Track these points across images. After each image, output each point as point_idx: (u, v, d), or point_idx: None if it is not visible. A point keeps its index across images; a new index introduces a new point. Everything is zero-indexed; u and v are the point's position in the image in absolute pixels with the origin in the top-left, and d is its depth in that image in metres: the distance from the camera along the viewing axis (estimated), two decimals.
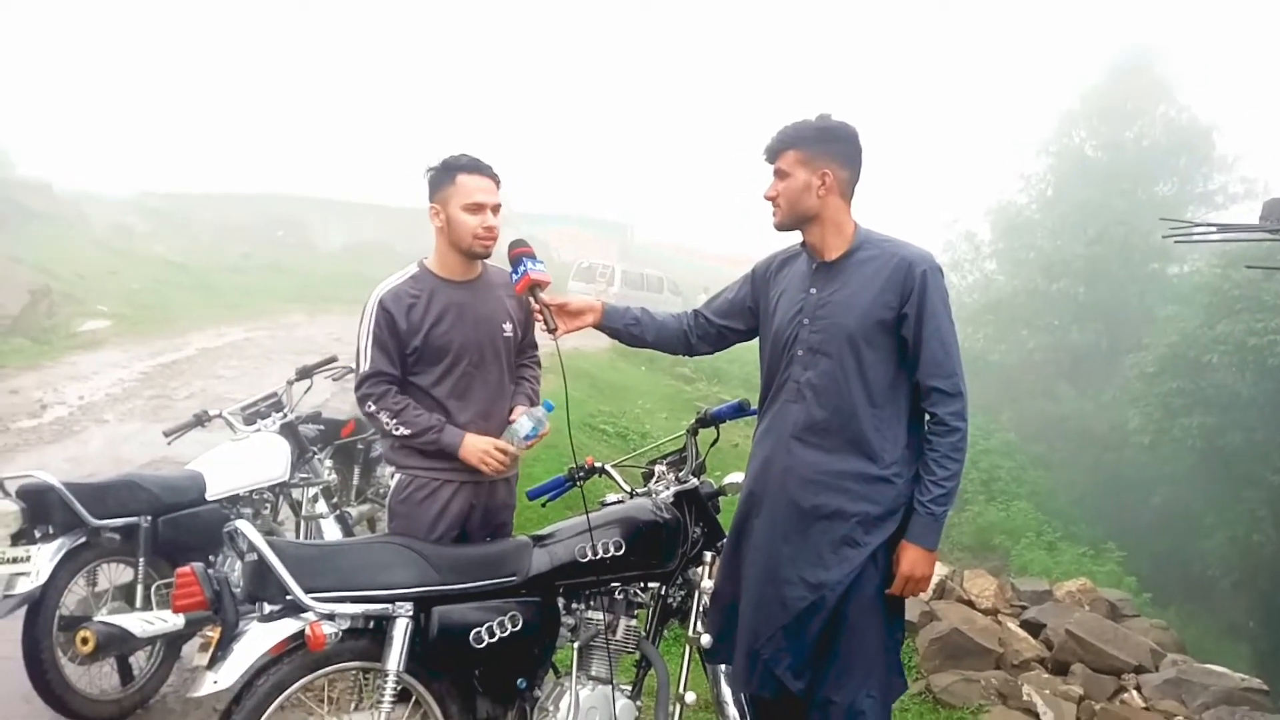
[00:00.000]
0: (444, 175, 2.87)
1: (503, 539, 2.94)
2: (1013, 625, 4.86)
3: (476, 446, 2.82)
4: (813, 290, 2.58)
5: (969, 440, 2.56)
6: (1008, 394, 21.61)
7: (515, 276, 2.73)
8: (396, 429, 2.83)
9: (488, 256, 2.98)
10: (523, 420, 2.89)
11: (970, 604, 5.06)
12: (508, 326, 3.00)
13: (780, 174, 2.55)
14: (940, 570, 5.34)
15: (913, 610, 4.79)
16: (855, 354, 2.48)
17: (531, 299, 2.74)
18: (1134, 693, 4.37)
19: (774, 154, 2.56)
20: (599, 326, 2.88)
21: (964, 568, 6.90)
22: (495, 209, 2.89)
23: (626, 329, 2.91)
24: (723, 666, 2.97)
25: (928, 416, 2.52)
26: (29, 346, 12.02)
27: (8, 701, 3.55)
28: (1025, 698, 4.21)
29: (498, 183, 2.91)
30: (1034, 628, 4.88)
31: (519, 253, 2.75)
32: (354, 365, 3.00)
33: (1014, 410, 21.09)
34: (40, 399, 9.44)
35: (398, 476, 2.94)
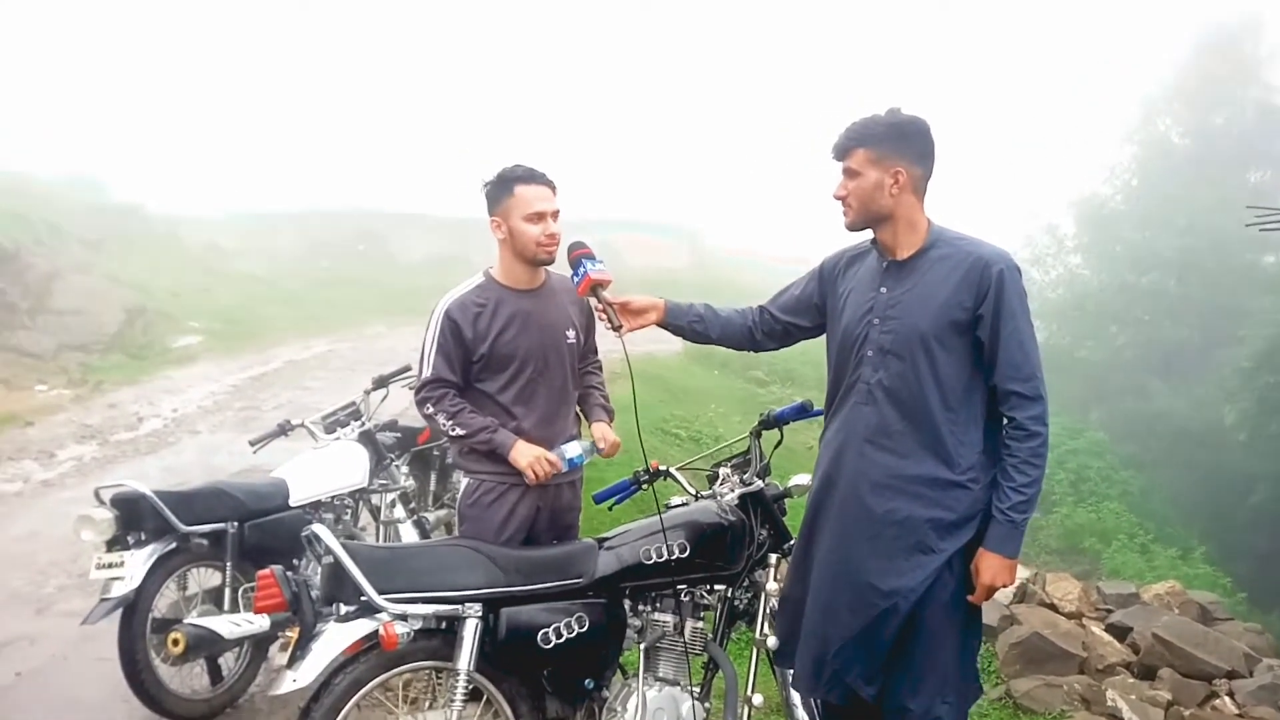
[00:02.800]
0: (501, 188, 2.93)
1: (569, 541, 2.98)
2: (1097, 629, 4.72)
3: (528, 451, 2.87)
4: (883, 289, 2.52)
5: (1051, 442, 2.48)
6: (1096, 392, 20.94)
7: (576, 278, 2.71)
8: (453, 430, 2.91)
9: (551, 263, 3.03)
10: (573, 445, 2.98)
11: (1053, 608, 4.93)
12: (570, 333, 3.06)
13: (850, 173, 2.48)
14: (1021, 573, 5.22)
15: (992, 614, 4.69)
16: (928, 355, 2.42)
17: (594, 299, 2.71)
18: (1226, 699, 4.20)
19: (843, 152, 2.49)
20: (662, 324, 2.85)
21: (1051, 571, 6.73)
22: (555, 215, 2.94)
23: (690, 325, 2.88)
24: (791, 669, 2.95)
25: (1005, 421, 2.44)
26: (127, 363, 12.59)
27: (109, 701, 3.74)
28: (1110, 703, 4.09)
29: (554, 189, 2.97)
30: (1120, 632, 4.73)
31: (578, 254, 2.72)
32: (418, 370, 3.08)
33: (1103, 409, 20.44)
34: (137, 412, 9.89)
35: (465, 480, 3.02)
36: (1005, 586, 2.43)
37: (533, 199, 2.90)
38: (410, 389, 5.00)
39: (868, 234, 2.61)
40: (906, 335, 2.45)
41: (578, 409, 3.21)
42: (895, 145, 2.45)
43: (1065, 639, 4.48)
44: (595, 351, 3.29)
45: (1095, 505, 14.24)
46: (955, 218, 2.61)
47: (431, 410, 2.93)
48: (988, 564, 2.39)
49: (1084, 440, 17.08)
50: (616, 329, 2.69)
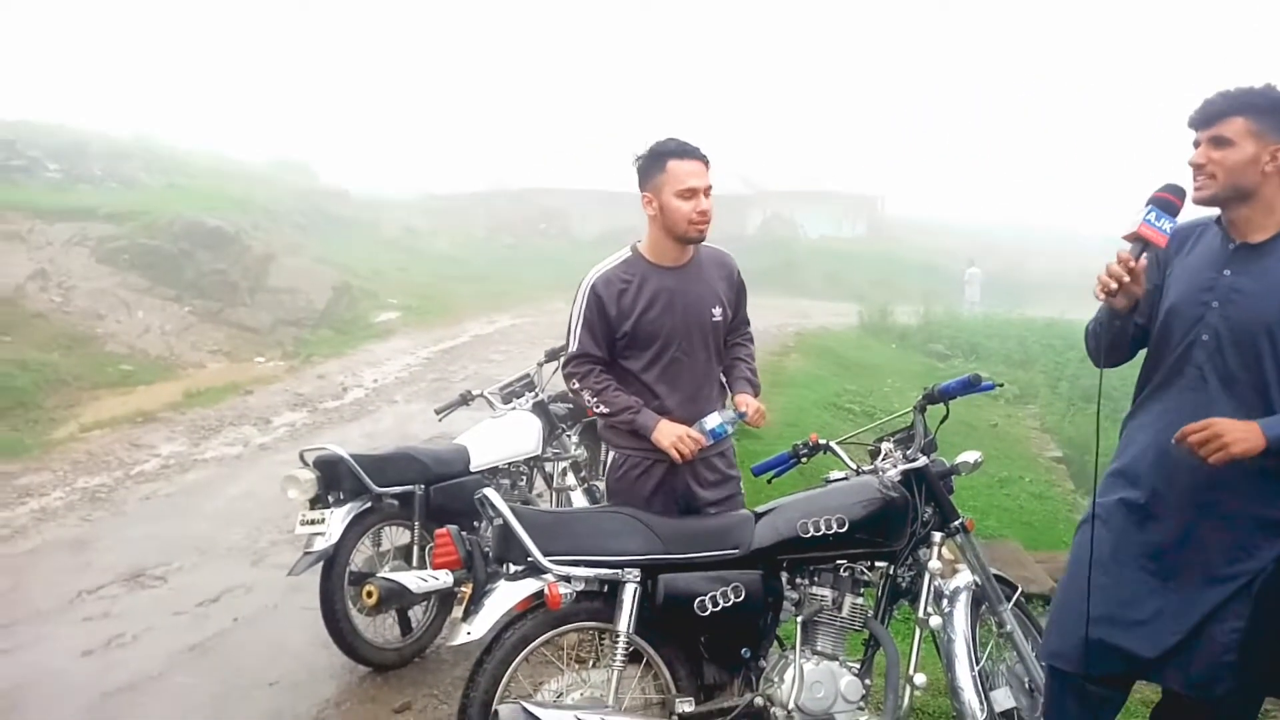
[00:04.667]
0: (654, 163, 2.91)
1: (726, 512, 3.02)
2: None
3: (671, 431, 2.89)
4: (1227, 272, 2.33)
5: None
6: None
7: (1136, 217, 2.31)
8: (597, 406, 2.97)
9: (702, 240, 3.00)
10: (713, 416, 2.93)
11: None
12: (717, 311, 3.03)
13: (1220, 141, 2.27)
14: None
15: None
16: (1274, 347, 2.25)
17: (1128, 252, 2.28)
18: None
19: (1217, 117, 2.28)
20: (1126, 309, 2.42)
21: None
22: (707, 192, 2.91)
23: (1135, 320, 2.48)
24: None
25: None
26: (333, 337, 13.61)
27: (312, 647, 4.11)
28: None
29: (708, 164, 2.92)
30: None
31: (1157, 197, 2.31)
32: (564, 345, 3.13)
33: None
34: (342, 382, 10.69)
35: (611, 455, 3.09)
36: (1235, 452, 2.14)
37: (685, 174, 2.87)
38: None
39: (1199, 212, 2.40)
40: (1250, 323, 2.27)
41: (724, 380, 3.19)
42: (1278, 121, 2.27)
43: None
44: (747, 323, 3.26)
45: None
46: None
47: (578, 386, 3.00)
48: (1245, 434, 2.13)
49: None
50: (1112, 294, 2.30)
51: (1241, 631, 2.27)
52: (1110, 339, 2.47)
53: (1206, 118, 2.31)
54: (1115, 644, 2.43)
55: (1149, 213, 2.28)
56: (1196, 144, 2.34)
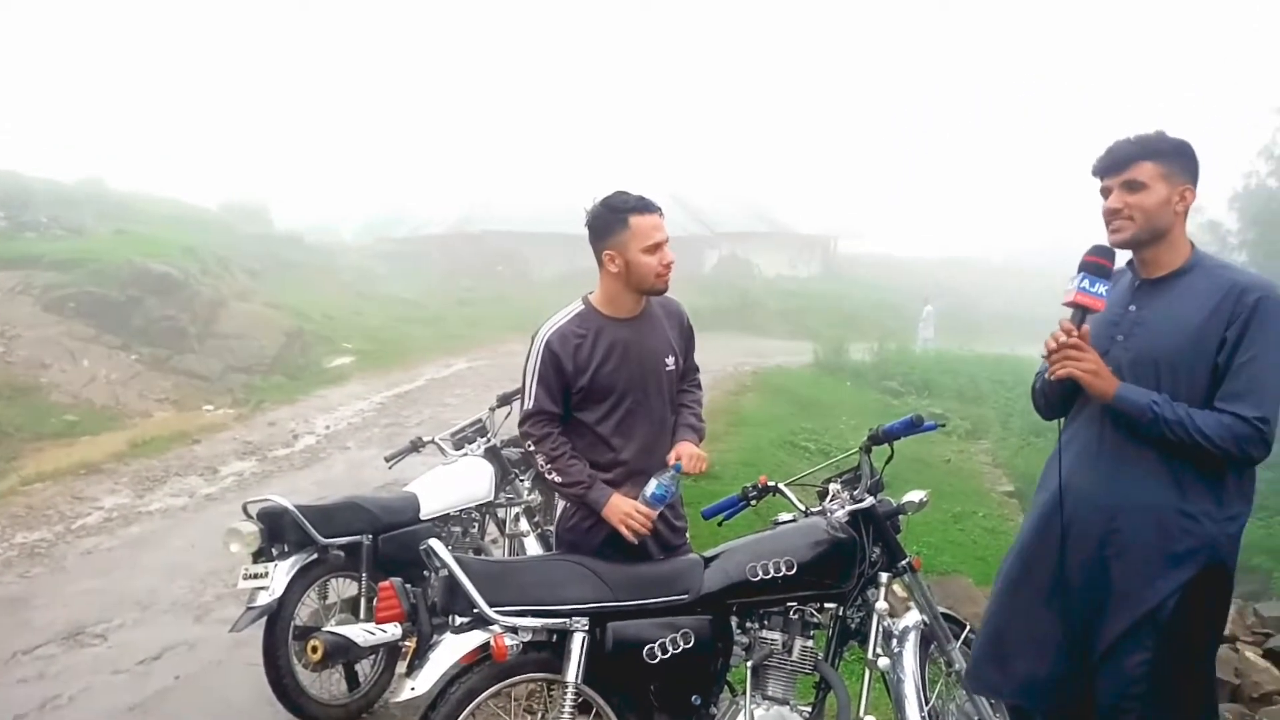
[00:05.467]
0: (615, 219, 2.86)
1: (675, 558, 3.00)
2: (1252, 655, 4.39)
3: (619, 508, 2.84)
4: (1132, 307, 2.45)
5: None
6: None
7: (1073, 285, 2.37)
8: (550, 474, 2.93)
9: (666, 291, 3.00)
10: (651, 482, 2.85)
11: None
12: (670, 360, 3.03)
13: (1134, 185, 2.38)
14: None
15: None
16: (1169, 377, 2.34)
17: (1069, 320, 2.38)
18: None
19: (1127, 163, 2.40)
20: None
21: None
22: (667, 242, 2.91)
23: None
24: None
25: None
26: (285, 383, 13.41)
27: (257, 705, 4.00)
28: None
29: (663, 215, 2.92)
30: (1279, 658, 4.39)
31: (1087, 261, 2.38)
32: (520, 400, 3.08)
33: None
34: (293, 429, 10.53)
35: (562, 504, 3.06)
36: (1075, 371, 2.31)
37: (650, 229, 2.85)
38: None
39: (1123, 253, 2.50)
40: (1148, 354, 2.38)
41: None
42: (1182, 164, 2.41)
43: (1218, 665, 4.18)
44: (696, 370, 3.25)
45: (1266, 521, 13.18)
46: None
47: (533, 448, 2.96)
48: (1098, 369, 2.32)
49: None
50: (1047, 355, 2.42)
51: (1149, 663, 2.33)
52: (1047, 400, 2.64)
53: (1116, 163, 2.41)
54: (1022, 674, 2.54)
55: (1082, 280, 2.36)
56: (1105, 191, 2.44)
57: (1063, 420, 2.59)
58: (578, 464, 2.93)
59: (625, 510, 2.85)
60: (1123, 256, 2.50)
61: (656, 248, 2.86)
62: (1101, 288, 2.34)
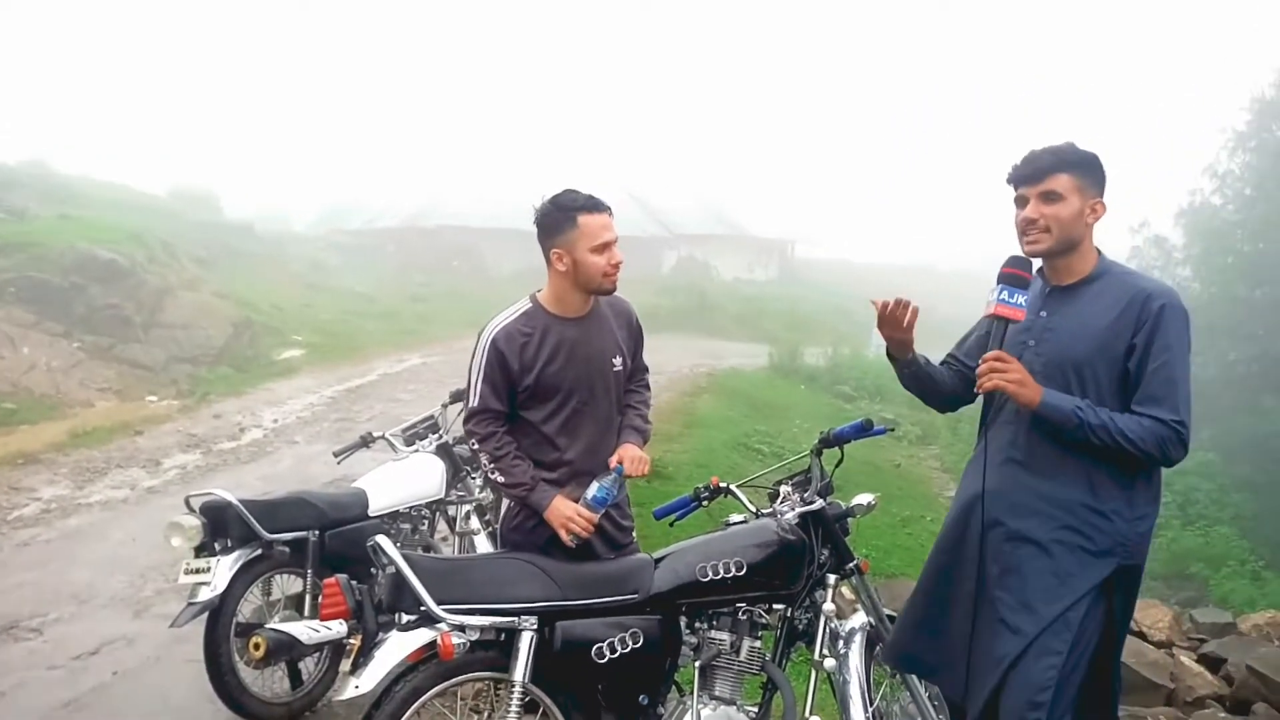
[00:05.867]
0: (564, 218, 2.85)
1: (625, 557, 3.00)
2: (1187, 660, 4.51)
3: (561, 512, 2.82)
4: (1043, 314, 2.52)
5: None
6: (1207, 410, 19.88)
7: (993, 297, 2.43)
8: (493, 473, 2.92)
9: (614, 291, 2.99)
10: (592, 485, 2.83)
11: (1141, 635, 4.72)
12: (618, 360, 3.02)
13: (1050, 196, 2.43)
14: None
15: None
16: (1079, 381, 2.41)
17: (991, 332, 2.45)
18: None
19: (1045, 173, 2.44)
20: (902, 358, 2.67)
21: (1144, 598, 6.45)
22: (615, 243, 2.90)
23: (924, 367, 2.71)
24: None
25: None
26: (232, 375, 13.15)
27: (197, 702, 3.92)
28: None
29: (612, 214, 2.92)
30: (1213, 663, 4.50)
31: (1005, 273, 2.43)
32: (465, 398, 3.05)
33: (1215, 428, 19.41)
34: (239, 423, 10.33)
35: (506, 503, 3.05)
36: (1003, 384, 2.34)
37: (599, 229, 2.84)
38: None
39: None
40: (1059, 360, 2.44)
41: None
42: (1094, 176, 2.47)
43: (1152, 669, 4.28)
44: (645, 370, 3.23)
45: (1204, 530, 13.56)
46: None
47: (478, 447, 2.94)
48: (1023, 378, 2.34)
49: (1193, 461, 16.20)
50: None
51: (1057, 668, 2.36)
52: (915, 386, 2.72)
53: (1034, 174, 2.46)
54: (934, 661, 2.64)
55: (1001, 292, 2.41)
56: (1021, 200, 2.49)
57: (980, 424, 2.65)
58: (521, 464, 2.91)
59: (566, 514, 2.83)
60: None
61: (605, 247, 2.86)
62: (1020, 298, 2.40)
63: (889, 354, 2.70)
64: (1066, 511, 2.40)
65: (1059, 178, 2.43)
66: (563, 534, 2.83)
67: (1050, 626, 2.37)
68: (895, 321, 2.57)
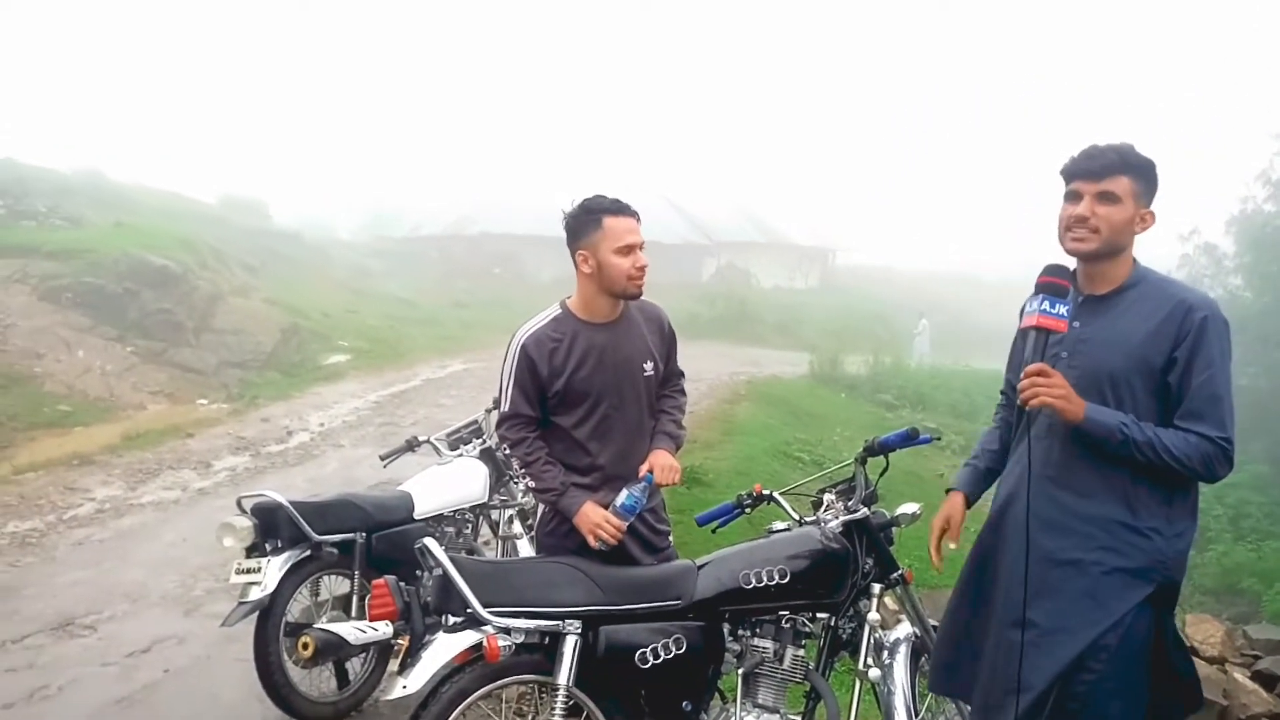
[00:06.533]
0: (589, 219, 2.89)
1: (668, 563, 3.01)
2: (1241, 676, 4.39)
3: (589, 518, 2.84)
4: (1076, 324, 2.38)
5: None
6: (1261, 422, 19.38)
7: (1030, 308, 2.34)
8: (525, 477, 2.95)
9: (639, 296, 3.00)
10: (621, 493, 2.85)
11: (1194, 651, 4.62)
12: (649, 365, 3.03)
13: (1108, 197, 2.32)
14: None
15: None
16: (1116, 395, 2.32)
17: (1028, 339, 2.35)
18: None
19: (1108, 172, 2.32)
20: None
21: (1195, 613, 6.32)
22: (642, 247, 2.92)
23: (987, 477, 2.71)
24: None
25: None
26: (280, 379, 13.38)
27: (246, 701, 3.99)
28: None
29: (639, 219, 2.94)
30: (1268, 680, 4.38)
31: (1043, 282, 2.32)
32: (497, 403, 3.08)
33: (1268, 439, 18.94)
34: (287, 426, 10.51)
35: (541, 509, 3.07)
36: (1049, 400, 2.24)
37: (623, 231, 2.87)
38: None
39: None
40: (1095, 372, 2.35)
41: None
42: (1150, 184, 2.37)
43: (1205, 685, 4.17)
44: (680, 375, 3.23)
45: (1257, 544, 13.21)
46: None
47: (509, 452, 2.98)
48: (1068, 393, 2.25)
49: (1245, 473, 15.82)
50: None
51: (1090, 684, 2.29)
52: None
53: (1096, 170, 2.34)
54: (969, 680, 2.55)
55: (1041, 302, 2.30)
56: (1073, 195, 2.37)
57: (1013, 437, 2.56)
58: (552, 470, 2.94)
59: (595, 520, 2.85)
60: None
61: (629, 250, 2.87)
62: (1062, 308, 2.29)
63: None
64: (1104, 530, 2.32)
65: (1120, 179, 2.32)
66: (590, 539, 2.85)
67: (1087, 650, 2.29)
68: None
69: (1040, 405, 2.27)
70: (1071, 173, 2.39)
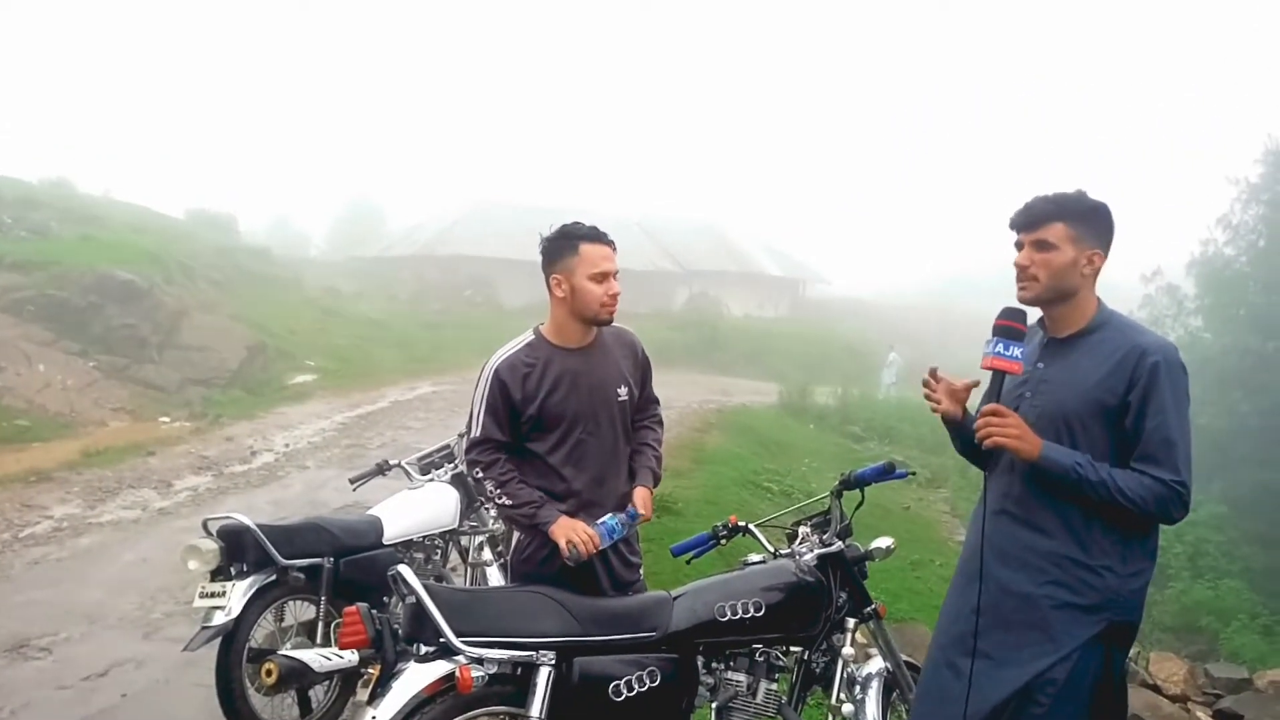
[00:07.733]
0: (566, 245, 2.92)
1: (640, 594, 3.00)
2: (1203, 715, 4.46)
3: (567, 527, 2.83)
4: (1040, 365, 2.50)
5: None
6: (1219, 462, 19.77)
7: (990, 350, 2.40)
8: (499, 498, 2.93)
9: (610, 323, 3.03)
10: (607, 518, 2.88)
11: (1156, 689, 4.67)
12: (623, 390, 3.04)
13: (1043, 245, 2.41)
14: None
15: None
16: (1072, 435, 2.38)
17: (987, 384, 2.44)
18: None
19: (1039, 221, 2.42)
20: (957, 420, 2.63)
21: (1158, 651, 6.39)
22: (616, 275, 2.95)
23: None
24: None
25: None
26: (244, 398, 13.21)
27: None
28: None
29: (615, 248, 2.98)
30: (1230, 719, 4.46)
31: (999, 325, 2.40)
32: (467, 428, 3.07)
33: (1225, 480, 19.29)
34: (251, 446, 10.36)
35: (517, 535, 3.04)
36: (1003, 440, 2.33)
37: (598, 258, 2.90)
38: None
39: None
40: (1053, 412, 2.42)
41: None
42: (1094, 228, 2.43)
43: None
44: (656, 402, 3.25)
45: (1214, 582, 13.43)
46: None
47: (482, 475, 2.95)
48: (1022, 433, 2.32)
49: (1204, 513, 16.12)
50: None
51: (1037, 718, 2.32)
52: (966, 450, 2.69)
53: (1030, 221, 2.45)
54: None
55: (996, 345, 2.38)
56: (1019, 245, 2.48)
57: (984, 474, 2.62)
58: (526, 487, 2.93)
59: (571, 528, 2.83)
60: (1034, 314, 2.54)
61: (603, 277, 2.91)
62: (1016, 350, 2.36)
63: (943, 418, 2.66)
64: (1056, 566, 2.37)
65: (1053, 226, 2.40)
66: (564, 547, 2.80)
67: (1034, 682, 2.33)
68: (945, 392, 2.59)
69: (994, 445, 2.36)
70: (1011, 224, 2.50)
